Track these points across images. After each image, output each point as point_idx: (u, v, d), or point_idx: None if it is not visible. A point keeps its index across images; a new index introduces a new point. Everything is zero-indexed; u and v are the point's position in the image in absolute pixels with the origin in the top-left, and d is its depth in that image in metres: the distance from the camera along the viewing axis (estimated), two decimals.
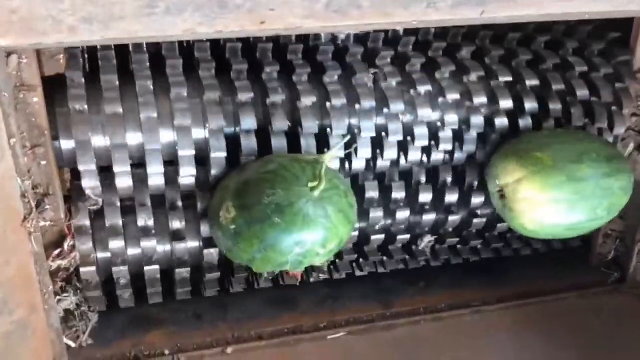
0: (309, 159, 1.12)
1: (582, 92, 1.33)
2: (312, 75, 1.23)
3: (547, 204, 1.20)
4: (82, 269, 1.15)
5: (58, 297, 1.16)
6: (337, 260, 1.40)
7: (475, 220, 1.40)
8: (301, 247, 1.08)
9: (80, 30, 0.83)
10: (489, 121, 1.30)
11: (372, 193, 1.30)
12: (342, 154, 1.21)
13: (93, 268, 1.16)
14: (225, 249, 1.14)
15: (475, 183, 1.35)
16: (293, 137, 1.20)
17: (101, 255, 1.18)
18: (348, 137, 1.18)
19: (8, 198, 0.97)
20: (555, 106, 1.31)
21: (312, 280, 1.43)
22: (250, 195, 1.07)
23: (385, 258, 1.43)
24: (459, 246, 1.48)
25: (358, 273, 1.45)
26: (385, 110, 1.23)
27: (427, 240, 1.42)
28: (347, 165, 1.25)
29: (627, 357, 1.36)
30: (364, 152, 1.23)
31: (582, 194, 1.20)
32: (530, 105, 1.30)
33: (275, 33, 0.95)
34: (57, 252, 1.12)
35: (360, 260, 1.42)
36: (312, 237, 1.08)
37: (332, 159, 1.12)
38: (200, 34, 0.90)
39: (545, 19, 1.09)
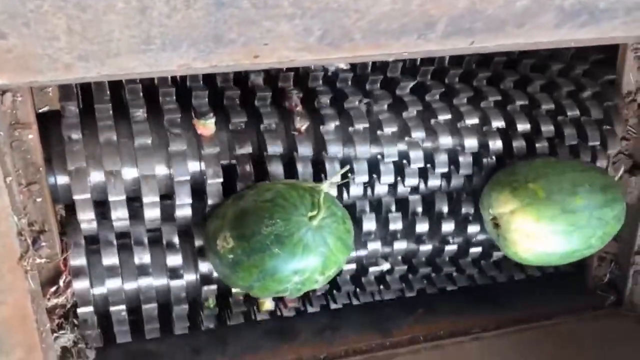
0: (306, 186, 1.12)
1: (572, 112, 1.36)
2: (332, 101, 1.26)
3: (542, 235, 1.20)
4: (79, 310, 1.14)
5: (55, 335, 1.14)
6: (334, 292, 1.39)
7: (472, 250, 1.40)
8: (300, 275, 1.09)
9: (76, 67, 0.83)
10: (482, 145, 1.31)
11: (370, 225, 1.29)
12: (338, 181, 1.21)
13: (90, 308, 1.15)
14: (223, 275, 1.14)
15: (472, 211, 1.36)
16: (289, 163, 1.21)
17: (97, 292, 1.18)
18: (347, 168, 1.19)
19: (4, 236, 0.96)
20: (547, 127, 1.33)
21: (310, 310, 1.42)
22: (249, 225, 1.07)
23: (382, 287, 1.42)
24: (454, 274, 1.47)
25: (356, 302, 1.44)
26: (379, 132, 1.25)
27: (382, 267, 1.39)
28: (344, 194, 1.26)
29: None
30: (361, 178, 1.24)
31: (576, 225, 1.20)
32: (522, 126, 1.32)
33: (269, 66, 0.96)
34: (53, 289, 1.11)
35: (358, 290, 1.41)
36: (311, 265, 1.08)
37: (329, 186, 1.12)
38: (195, 68, 0.91)
39: (533, 47, 1.11)
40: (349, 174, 1.20)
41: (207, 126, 1.16)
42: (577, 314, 1.48)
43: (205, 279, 1.23)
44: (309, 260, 1.07)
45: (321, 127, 1.22)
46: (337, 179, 1.18)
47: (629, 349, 1.41)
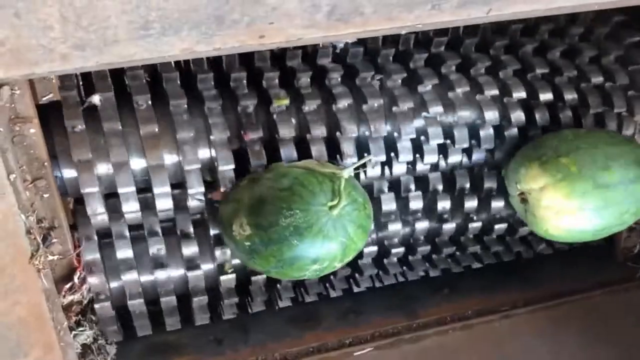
0: (325, 171, 1.07)
1: (597, 79, 1.30)
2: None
3: (573, 212, 1.14)
4: (96, 306, 1.12)
5: (74, 332, 1.13)
6: (356, 275, 1.35)
7: (497, 226, 1.36)
8: (319, 264, 1.06)
9: (73, 57, 0.79)
10: (503, 116, 1.25)
11: (390, 205, 1.25)
12: (358, 168, 1.16)
13: (108, 303, 1.12)
14: (239, 259, 1.13)
15: (495, 187, 1.31)
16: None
17: (114, 286, 1.15)
18: (370, 157, 1.15)
19: (13, 236, 0.94)
20: (571, 95, 1.27)
21: (332, 295, 1.39)
22: (266, 215, 1.03)
23: (405, 269, 1.38)
24: (479, 251, 1.43)
25: (379, 284, 1.41)
26: (395, 108, 1.20)
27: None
28: (361, 174, 1.21)
29: None
30: (378, 158, 1.19)
31: (609, 201, 1.15)
32: (544, 95, 1.26)
33: (276, 46, 0.91)
34: (68, 286, 1.09)
35: (381, 273, 1.38)
36: (331, 254, 1.06)
37: (349, 174, 1.08)
38: (198, 52, 0.86)
39: (554, 12, 1.05)
40: (369, 160, 1.16)
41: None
42: (608, 287, 1.44)
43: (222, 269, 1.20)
44: (329, 249, 1.04)
45: (333, 106, 1.17)
46: (357, 165, 1.14)
47: None
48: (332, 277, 1.33)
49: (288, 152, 1.13)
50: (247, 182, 1.09)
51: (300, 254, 1.03)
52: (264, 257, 1.05)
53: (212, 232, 1.17)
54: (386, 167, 1.23)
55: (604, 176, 1.14)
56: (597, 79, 1.30)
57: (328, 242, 1.03)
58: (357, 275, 1.35)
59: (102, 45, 0.80)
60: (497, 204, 1.31)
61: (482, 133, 1.23)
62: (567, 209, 1.14)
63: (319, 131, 1.15)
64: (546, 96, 1.26)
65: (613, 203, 1.15)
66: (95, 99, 1.07)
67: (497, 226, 1.35)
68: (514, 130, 1.25)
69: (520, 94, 1.25)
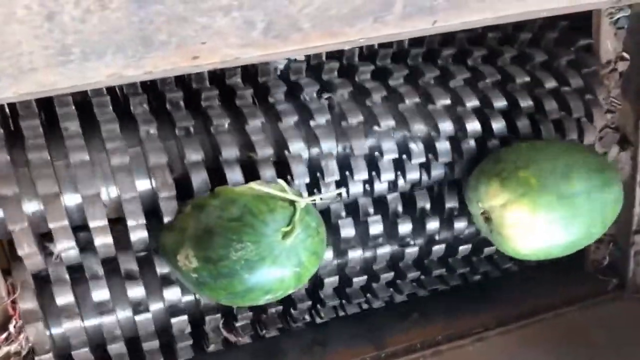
0: (277, 196, 1.00)
1: (550, 84, 1.27)
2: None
3: (540, 226, 1.10)
4: (37, 358, 1.04)
5: None
6: (318, 306, 1.29)
7: (461, 247, 1.31)
8: (272, 294, 1.02)
9: None
10: (458, 128, 1.20)
11: (348, 231, 1.19)
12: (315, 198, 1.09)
13: (50, 355, 1.04)
14: (187, 287, 1.08)
15: (456, 206, 1.26)
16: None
17: (56, 333, 1.07)
18: (341, 191, 1.11)
19: None
20: (526, 102, 1.24)
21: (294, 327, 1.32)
22: (215, 247, 0.97)
23: (370, 296, 1.32)
24: (445, 274, 1.38)
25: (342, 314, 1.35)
26: (344, 123, 1.15)
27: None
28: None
29: None
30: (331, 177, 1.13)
31: (576, 211, 1.10)
32: (499, 103, 1.23)
33: (212, 67, 0.86)
34: (3, 336, 1.00)
35: (344, 302, 1.32)
36: (284, 285, 1.00)
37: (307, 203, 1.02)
38: (128, 77, 0.81)
39: (501, 21, 1.02)
40: (339, 195, 1.11)
41: None
42: (580, 302, 1.40)
43: (174, 309, 1.12)
44: (282, 280, 0.99)
45: (279, 124, 1.12)
46: (320, 197, 1.09)
47: (638, 333, 1.33)
48: (292, 310, 1.26)
49: (233, 175, 1.06)
50: (191, 209, 1.02)
51: (253, 286, 0.98)
52: (213, 290, 1.00)
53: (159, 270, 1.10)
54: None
55: (566, 186, 1.10)
56: (551, 84, 1.27)
57: (281, 273, 0.98)
58: (318, 306, 1.29)
59: (17, 73, 0.74)
60: (461, 224, 1.26)
61: (438, 146, 1.19)
62: (533, 224, 1.10)
63: (266, 151, 1.09)
64: (500, 103, 1.23)
65: (580, 213, 1.11)
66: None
67: (461, 247, 1.30)
68: (471, 143, 1.21)
69: (472, 102, 1.21)
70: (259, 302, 1.03)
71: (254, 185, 1.03)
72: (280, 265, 0.97)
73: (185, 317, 1.12)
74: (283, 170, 1.10)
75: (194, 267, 0.98)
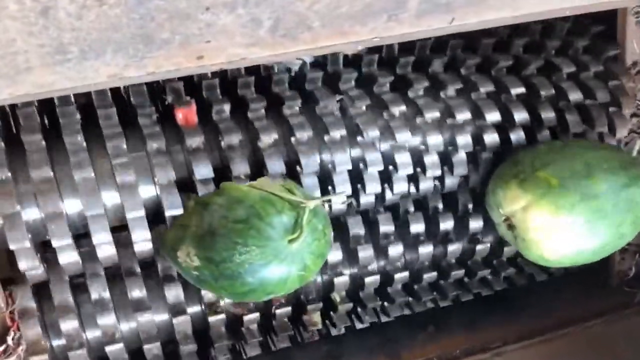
0: (285, 201, 0.96)
1: (575, 96, 1.21)
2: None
3: (564, 229, 1.04)
4: None
5: None
6: (331, 313, 1.24)
7: (479, 247, 1.26)
8: (274, 294, 1.00)
9: None
10: (476, 139, 1.16)
11: (358, 229, 1.15)
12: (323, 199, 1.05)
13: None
14: (185, 278, 1.03)
15: (470, 206, 1.22)
16: None
17: (57, 344, 1.04)
18: (347, 195, 1.07)
19: None
20: (548, 114, 1.18)
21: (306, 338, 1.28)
22: (218, 249, 0.93)
23: (385, 303, 1.28)
24: (466, 279, 1.33)
25: (359, 325, 1.30)
26: (359, 138, 1.10)
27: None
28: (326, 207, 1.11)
29: None
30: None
31: (602, 212, 1.05)
32: (520, 116, 1.17)
33: (217, 67, 0.83)
34: (1, 349, 0.97)
35: (358, 309, 1.27)
36: (286, 287, 0.97)
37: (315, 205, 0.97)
38: (129, 77, 0.78)
39: (521, 20, 0.98)
40: (343, 197, 1.06)
41: None
42: (606, 315, 1.34)
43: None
44: (285, 282, 0.96)
45: (292, 138, 1.07)
46: (327, 198, 1.05)
47: None
48: (304, 319, 1.22)
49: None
50: (195, 205, 0.98)
51: (255, 288, 0.94)
52: (214, 288, 0.98)
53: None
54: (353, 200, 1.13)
55: (589, 186, 1.05)
56: (577, 97, 1.21)
57: (285, 275, 0.95)
58: (331, 313, 1.24)
59: (13, 74, 0.71)
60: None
61: (454, 159, 1.14)
62: (557, 226, 1.04)
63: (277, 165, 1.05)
64: (521, 116, 1.17)
65: (607, 214, 1.05)
66: None
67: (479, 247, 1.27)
68: (490, 155, 1.16)
69: (493, 116, 1.16)
70: (260, 300, 1.03)
71: (262, 182, 0.99)
72: (284, 268, 0.94)
73: (187, 318, 1.09)
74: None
75: (195, 265, 0.94)
